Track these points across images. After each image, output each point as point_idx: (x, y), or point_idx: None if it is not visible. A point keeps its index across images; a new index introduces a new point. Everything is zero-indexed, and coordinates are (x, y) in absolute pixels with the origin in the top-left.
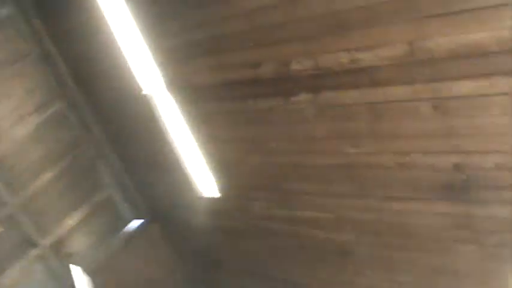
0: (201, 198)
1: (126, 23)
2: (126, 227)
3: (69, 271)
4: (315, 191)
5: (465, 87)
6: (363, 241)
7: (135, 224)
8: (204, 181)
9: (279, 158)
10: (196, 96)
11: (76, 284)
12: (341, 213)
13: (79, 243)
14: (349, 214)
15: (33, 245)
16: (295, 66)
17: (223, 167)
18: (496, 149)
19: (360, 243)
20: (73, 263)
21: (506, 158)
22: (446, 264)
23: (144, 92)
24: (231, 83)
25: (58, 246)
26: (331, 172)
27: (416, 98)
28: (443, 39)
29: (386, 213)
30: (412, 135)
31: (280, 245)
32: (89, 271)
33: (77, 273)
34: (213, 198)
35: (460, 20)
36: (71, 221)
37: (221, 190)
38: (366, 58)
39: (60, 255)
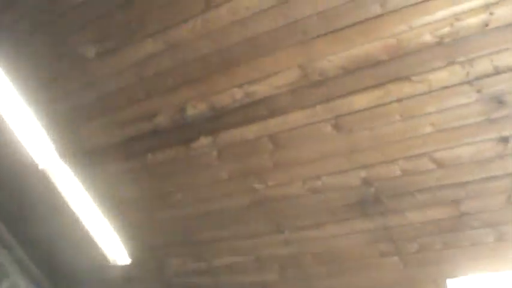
0: (113, 266)
1: (10, 94)
2: None
3: None
4: (230, 235)
5: (361, 100)
6: (287, 277)
7: None
8: (114, 248)
9: (188, 208)
10: (94, 160)
11: None
12: (261, 253)
13: None
14: (269, 252)
15: None
16: (190, 111)
17: (132, 229)
18: (400, 156)
19: (284, 279)
20: None
21: (411, 162)
22: (373, 280)
23: (40, 167)
24: (128, 140)
25: None
26: (243, 213)
27: (316, 121)
28: (333, 56)
29: (306, 243)
30: (318, 158)
31: None
32: None
33: None
34: (126, 265)
35: (346, 35)
36: None
37: (133, 254)
38: (260, 90)
39: None
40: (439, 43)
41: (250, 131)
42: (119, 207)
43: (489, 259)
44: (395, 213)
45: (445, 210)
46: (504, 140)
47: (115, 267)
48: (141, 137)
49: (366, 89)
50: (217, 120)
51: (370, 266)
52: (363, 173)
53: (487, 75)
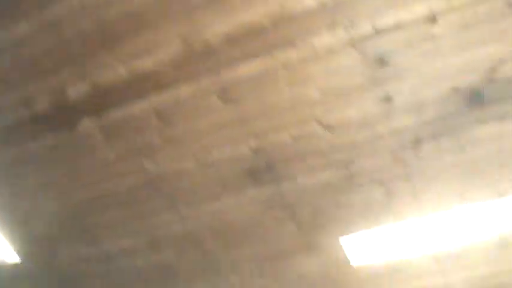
0: (0, 267)
1: None
2: None
3: None
4: (123, 218)
5: (247, 69)
6: (184, 255)
7: None
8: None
9: (77, 194)
10: None
11: None
12: (156, 233)
13: None
14: (164, 231)
15: None
16: (72, 92)
17: (17, 223)
18: (289, 122)
19: (182, 258)
20: None
21: (300, 128)
22: (272, 248)
23: None
24: (6, 128)
25: None
26: (135, 193)
27: (203, 93)
28: (217, 26)
29: (201, 218)
30: (207, 131)
31: (101, 287)
32: None
33: None
34: (14, 263)
35: (228, 3)
36: None
37: (20, 251)
38: (144, 65)
39: None
40: (322, 7)
41: (135, 109)
42: (3, 202)
43: (379, 214)
44: (288, 180)
45: (336, 172)
46: (388, 99)
47: (2, 266)
48: (20, 124)
49: (251, 57)
50: (101, 100)
51: (267, 234)
52: (253, 142)
53: (369, 37)
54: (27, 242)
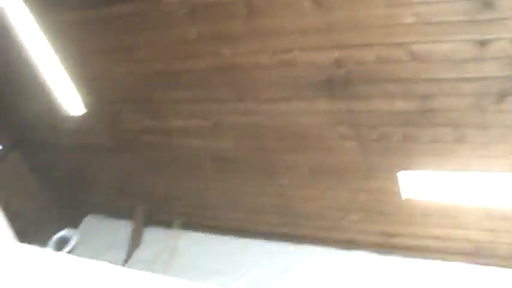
0: (65, 117)
1: None
2: None
3: None
4: (189, 98)
5: None
6: (243, 147)
7: None
8: (68, 98)
9: (149, 66)
10: (55, 5)
11: None
12: (218, 120)
13: None
14: (227, 120)
15: None
16: None
17: (88, 81)
18: (377, 42)
19: (239, 149)
20: None
21: (387, 50)
22: (329, 162)
23: None
24: None
25: None
26: (206, 76)
27: None
28: None
29: (267, 116)
30: (292, 31)
31: (154, 158)
32: None
33: None
34: (79, 116)
35: None
36: None
37: (87, 106)
38: None
39: None
40: None
41: None
42: (76, 58)
43: (444, 158)
44: (362, 99)
45: (412, 104)
46: (483, 43)
47: (69, 117)
48: None
49: None
50: None
51: (328, 147)
52: (336, 53)
53: None
54: (95, 100)
